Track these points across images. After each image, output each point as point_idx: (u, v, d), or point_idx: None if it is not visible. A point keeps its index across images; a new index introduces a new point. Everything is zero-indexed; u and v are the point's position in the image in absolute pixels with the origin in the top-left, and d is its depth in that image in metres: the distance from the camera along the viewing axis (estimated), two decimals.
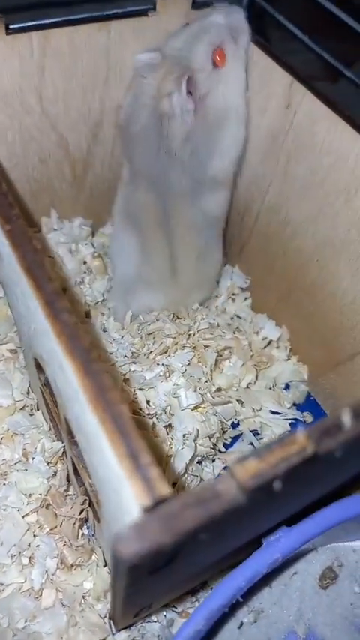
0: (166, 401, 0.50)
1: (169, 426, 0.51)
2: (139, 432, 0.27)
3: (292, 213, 0.56)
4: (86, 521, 0.50)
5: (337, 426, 0.28)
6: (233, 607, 0.49)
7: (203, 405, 0.50)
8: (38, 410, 0.56)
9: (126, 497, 0.26)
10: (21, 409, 0.55)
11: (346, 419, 0.28)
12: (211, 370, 0.53)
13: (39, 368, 0.47)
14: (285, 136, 0.54)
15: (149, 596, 0.38)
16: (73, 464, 0.48)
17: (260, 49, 0.54)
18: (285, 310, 0.63)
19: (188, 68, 0.48)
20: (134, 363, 0.54)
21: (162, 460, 0.49)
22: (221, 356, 0.54)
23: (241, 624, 0.49)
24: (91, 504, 0.47)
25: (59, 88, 0.55)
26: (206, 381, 0.52)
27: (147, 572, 0.28)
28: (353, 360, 0.54)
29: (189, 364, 0.51)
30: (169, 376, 0.51)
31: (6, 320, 0.61)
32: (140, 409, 0.50)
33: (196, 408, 0.50)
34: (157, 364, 0.53)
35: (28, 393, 0.57)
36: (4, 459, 0.52)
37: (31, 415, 0.55)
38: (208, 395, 0.51)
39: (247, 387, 0.57)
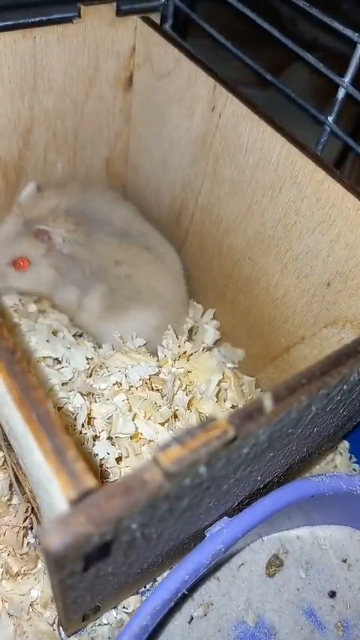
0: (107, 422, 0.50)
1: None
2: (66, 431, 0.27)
3: (223, 212, 0.58)
4: (31, 529, 0.49)
5: (258, 410, 0.29)
6: (181, 602, 0.50)
7: (141, 437, 0.50)
8: None
9: (54, 493, 0.27)
10: None
11: (267, 403, 0.30)
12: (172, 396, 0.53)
13: None
14: (212, 137, 0.55)
15: (92, 595, 0.38)
16: (14, 471, 0.47)
17: (184, 55, 0.55)
18: (223, 307, 0.64)
19: None
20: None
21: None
22: (184, 389, 0.54)
23: (191, 619, 0.50)
24: (33, 511, 0.47)
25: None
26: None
27: (81, 567, 0.28)
28: (289, 352, 0.56)
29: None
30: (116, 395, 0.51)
31: None
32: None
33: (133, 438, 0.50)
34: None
35: None
36: None
37: None
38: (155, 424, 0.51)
39: None
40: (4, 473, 0.51)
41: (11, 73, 0.55)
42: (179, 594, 0.42)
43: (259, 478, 0.41)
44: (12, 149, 0.61)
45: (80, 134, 0.64)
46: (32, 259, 0.57)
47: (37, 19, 0.54)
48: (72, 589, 0.32)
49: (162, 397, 0.53)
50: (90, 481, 0.25)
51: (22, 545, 0.47)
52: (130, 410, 0.50)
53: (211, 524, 0.43)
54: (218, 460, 0.28)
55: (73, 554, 0.25)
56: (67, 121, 0.62)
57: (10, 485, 0.50)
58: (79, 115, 0.62)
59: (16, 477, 0.47)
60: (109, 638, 0.47)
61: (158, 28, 0.59)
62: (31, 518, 0.47)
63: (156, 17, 0.61)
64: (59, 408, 0.49)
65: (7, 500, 0.50)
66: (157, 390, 0.54)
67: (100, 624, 0.48)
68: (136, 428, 0.48)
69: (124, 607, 0.50)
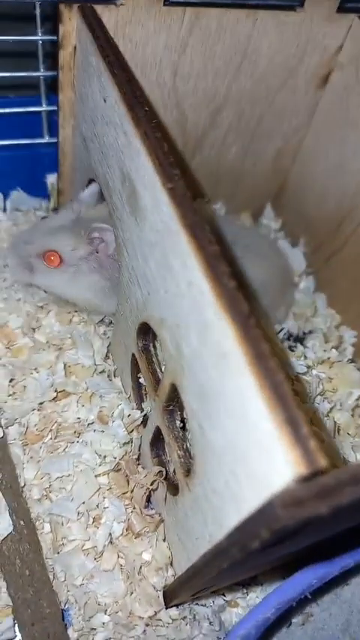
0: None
1: None
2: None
3: None
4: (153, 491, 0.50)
5: None
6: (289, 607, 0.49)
7: None
8: (116, 377, 0.56)
9: (273, 467, 0.26)
10: (100, 372, 0.56)
11: None
12: None
13: (144, 333, 0.47)
14: None
15: (227, 575, 0.38)
16: (156, 434, 0.48)
17: None
18: None
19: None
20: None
21: None
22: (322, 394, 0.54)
23: (290, 624, 0.49)
24: (167, 476, 0.47)
25: (194, 67, 0.55)
26: None
27: (262, 547, 0.28)
28: None
29: None
30: None
31: None
32: None
33: None
34: None
35: (105, 359, 0.57)
36: (78, 418, 0.52)
37: (110, 380, 0.55)
38: None
39: None
40: (138, 433, 0.51)
41: (224, 50, 0.55)
42: (302, 596, 0.42)
43: None
44: (198, 124, 0.62)
45: (263, 122, 0.64)
46: (66, 258, 0.52)
47: (262, 2, 0.54)
48: (233, 566, 0.32)
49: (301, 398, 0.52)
50: (323, 461, 0.25)
51: (148, 505, 0.48)
52: None
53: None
54: None
55: (288, 531, 0.25)
56: (256, 106, 0.62)
57: (139, 447, 0.51)
58: (268, 102, 0.62)
59: (154, 440, 0.48)
60: (209, 620, 0.47)
61: None
62: (159, 483, 0.48)
63: None
64: None
65: (136, 459, 0.51)
66: (295, 391, 0.53)
67: (198, 604, 0.48)
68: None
69: (223, 594, 0.49)
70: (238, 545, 0.29)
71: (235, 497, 0.31)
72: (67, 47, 0.49)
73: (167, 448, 0.44)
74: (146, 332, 0.47)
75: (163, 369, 0.48)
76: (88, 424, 0.52)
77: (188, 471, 0.41)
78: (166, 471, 0.47)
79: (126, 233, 0.45)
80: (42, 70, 0.57)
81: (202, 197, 0.68)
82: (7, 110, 0.60)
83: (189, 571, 0.39)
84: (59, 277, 0.53)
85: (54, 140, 0.61)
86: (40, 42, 0.55)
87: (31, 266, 0.53)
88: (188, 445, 0.44)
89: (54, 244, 0.52)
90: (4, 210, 0.64)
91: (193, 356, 0.35)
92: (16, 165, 0.64)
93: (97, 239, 0.51)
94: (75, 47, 0.49)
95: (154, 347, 0.48)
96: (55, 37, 0.50)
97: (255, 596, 0.50)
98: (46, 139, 0.63)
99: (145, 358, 0.47)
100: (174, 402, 0.43)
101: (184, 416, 0.46)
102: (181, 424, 0.44)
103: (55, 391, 0.53)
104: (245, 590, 0.50)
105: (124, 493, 0.48)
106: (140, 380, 0.52)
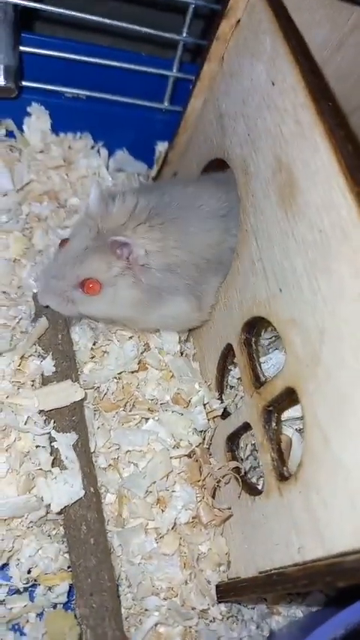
0: None
1: None
2: None
3: None
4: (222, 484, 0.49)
5: None
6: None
7: None
8: (195, 361, 0.55)
9: None
10: (181, 354, 0.54)
11: None
12: None
13: (250, 327, 0.46)
14: None
15: None
16: (239, 430, 0.47)
17: None
18: None
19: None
20: None
21: None
22: None
23: None
24: (244, 476, 0.46)
25: (342, 68, 0.54)
26: None
27: None
28: None
29: None
30: None
31: None
32: None
33: None
34: None
35: (185, 341, 0.56)
36: (153, 395, 0.51)
37: (189, 363, 0.54)
38: None
39: None
40: (215, 423, 0.51)
41: None
42: None
43: None
44: None
45: None
46: (104, 280, 0.47)
47: None
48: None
49: None
50: None
51: (214, 497, 0.47)
52: None
53: None
54: None
55: None
56: None
57: (211, 437, 0.51)
58: None
59: (233, 435, 0.47)
60: (257, 624, 0.47)
61: None
62: (231, 477, 0.47)
63: None
64: None
65: (207, 448, 0.50)
66: None
67: (244, 605, 0.48)
68: None
69: (265, 599, 0.49)
70: None
71: None
72: (230, 18, 0.47)
73: (259, 448, 0.43)
74: (253, 325, 0.46)
75: (261, 366, 0.47)
76: (161, 404, 0.51)
77: (282, 476, 0.40)
78: (244, 469, 0.47)
79: (260, 222, 0.43)
80: (185, 34, 0.55)
81: None
82: (135, 67, 0.57)
83: (272, 576, 0.39)
84: (100, 301, 0.48)
85: (174, 108, 0.59)
86: (193, 5, 0.52)
87: (71, 298, 0.49)
88: (280, 448, 0.43)
89: (88, 271, 0.47)
90: (107, 168, 0.62)
91: (338, 367, 0.34)
92: (128, 125, 0.62)
93: (123, 250, 0.47)
94: (239, 20, 0.47)
95: (256, 342, 0.47)
96: (214, 5, 0.48)
97: (296, 606, 0.50)
98: (164, 105, 0.61)
99: (246, 352, 0.46)
100: (277, 403, 0.42)
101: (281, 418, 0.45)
102: (276, 426, 0.44)
103: (138, 364, 0.51)
104: (289, 599, 0.50)
105: (197, 481, 0.47)
106: (232, 371, 0.51)
